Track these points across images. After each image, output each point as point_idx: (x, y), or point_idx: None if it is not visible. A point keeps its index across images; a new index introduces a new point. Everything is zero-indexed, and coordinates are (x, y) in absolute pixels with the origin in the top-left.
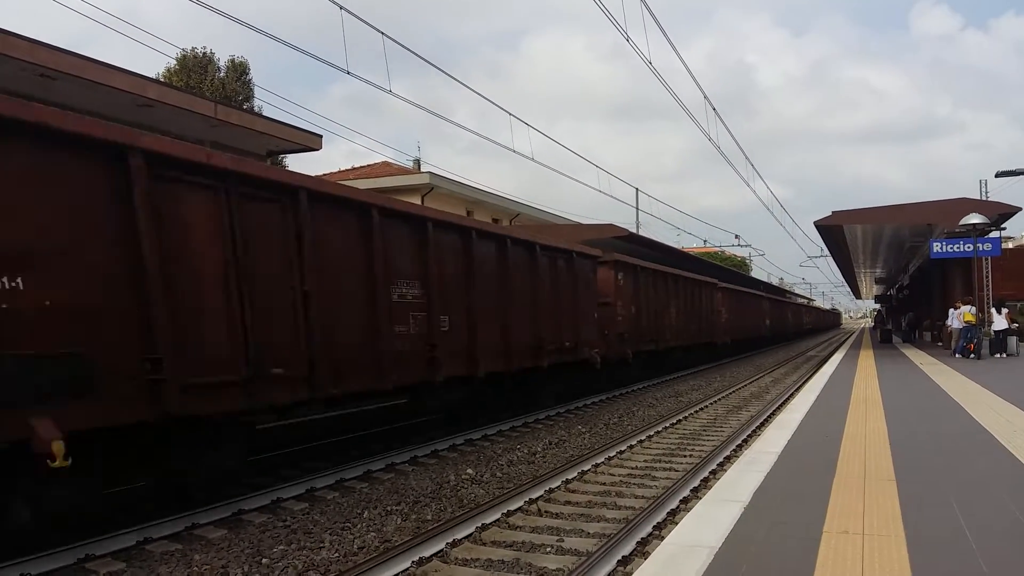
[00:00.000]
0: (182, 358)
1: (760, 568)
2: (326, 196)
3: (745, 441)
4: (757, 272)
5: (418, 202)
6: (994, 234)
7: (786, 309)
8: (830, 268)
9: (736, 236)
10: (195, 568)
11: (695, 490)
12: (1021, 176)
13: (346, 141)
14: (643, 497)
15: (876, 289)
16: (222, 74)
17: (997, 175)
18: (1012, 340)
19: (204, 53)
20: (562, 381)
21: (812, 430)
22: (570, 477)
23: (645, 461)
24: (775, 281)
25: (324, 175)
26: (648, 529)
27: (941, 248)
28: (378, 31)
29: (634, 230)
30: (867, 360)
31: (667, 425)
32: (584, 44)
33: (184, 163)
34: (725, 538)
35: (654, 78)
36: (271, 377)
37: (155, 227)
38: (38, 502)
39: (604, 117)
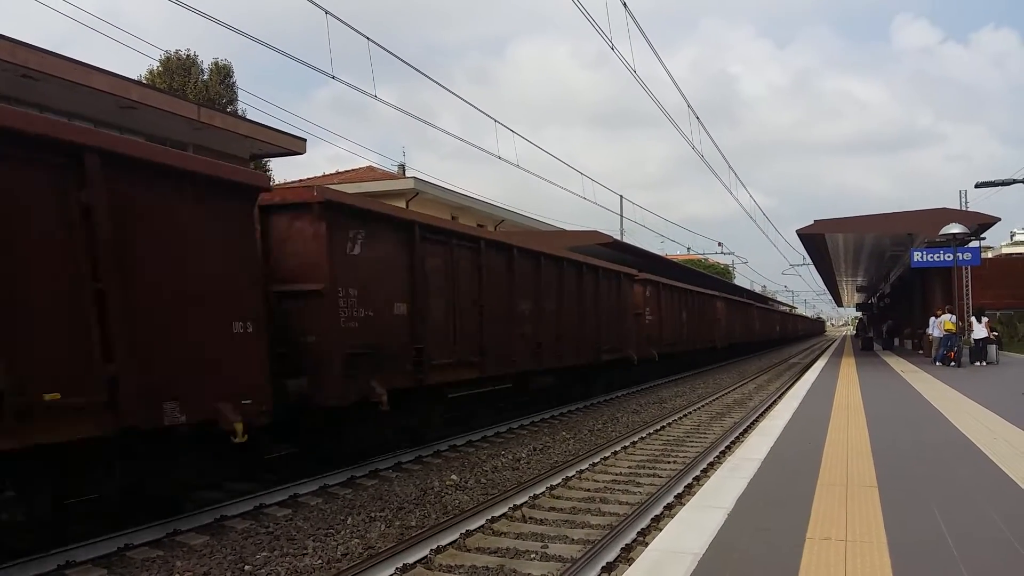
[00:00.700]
0: (436, 351)
1: (744, 574)
2: (493, 243)
3: (729, 448)
4: (740, 280)
5: (403, 206)
6: (974, 244)
7: (773, 317)
8: (812, 276)
9: (719, 244)
10: (177, 574)
11: (679, 496)
12: (1000, 187)
13: (330, 145)
14: (627, 503)
15: (858, 297)
16: (205, 76)
17: (977, 186)
18: (992, 348)
19: (187, 55)
20: (610, 374)
21: (795, 437)
22: (555, 483)
23: (629, 467)
24: (758, 289)
25: (307, 179)
26: (633, 535)
27: (921, 257)
28: (363, 36)
29: (619, 237)
30: (849, 367)
31: (651, 431)
32: (569, 51)
33: (433, 229)
34: (709, 544)
35: (638, 86)
36: (469, 362)
37: (480, 276)
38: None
39: (588, 124)
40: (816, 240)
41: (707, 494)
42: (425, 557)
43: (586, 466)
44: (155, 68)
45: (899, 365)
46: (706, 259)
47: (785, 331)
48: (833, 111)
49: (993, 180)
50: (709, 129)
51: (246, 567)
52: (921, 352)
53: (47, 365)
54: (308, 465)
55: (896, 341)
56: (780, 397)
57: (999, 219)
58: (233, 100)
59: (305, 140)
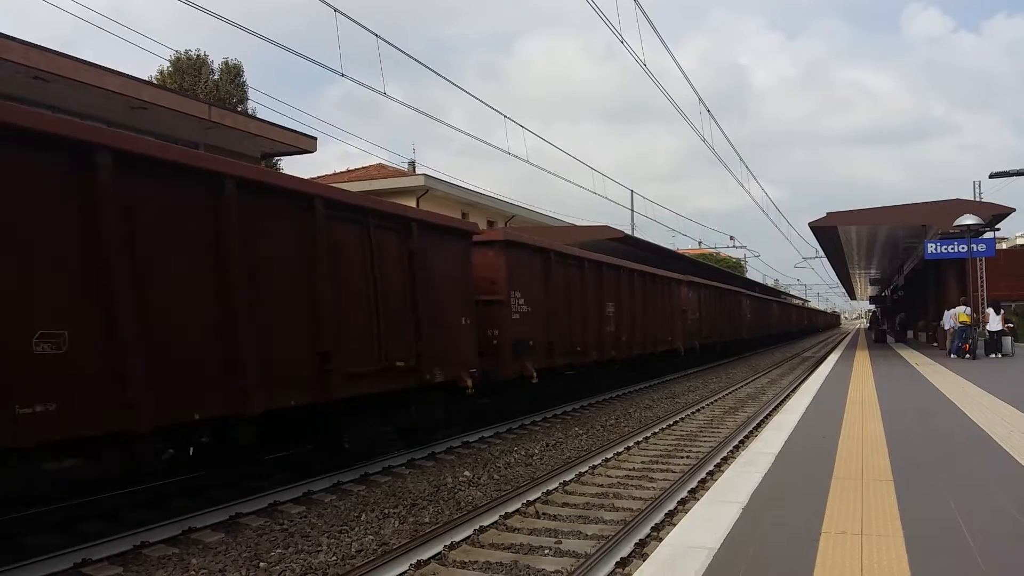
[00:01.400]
0: (557, 343)
1: (759, 569)
2: (592, 261)
3: (742, 442)
4: (752, 273)
5: (413, 203)
6: (988, 235)
7: (792, 311)
8: (825, 269)
9: (731, 237)
10: (192, 572)
11: (693, 491)
12: (1015, 177)
13: (339, 143)
14: (641, 499)
15: (871, 290)
16: (216, 76)
17: (991, 176)
18: (1007, 340)
19: (198, 55)
20: (661, 363)
21: (809, 431)
22: (568, 479)
23: (643, 463)
24: (770, 282)
25: (317, 177)
26: (646, 530)
27: (936, 249)
28: (372, 33)
29: (629, 232)
30: (863, 361)
31: (664, 426)
32: (577, 45)
33: (560, 254)
34: (723, 539)
35: (647, 79)
36: (576, 351)
37: (585, 285)
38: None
39: (598, 118)
40: (829, 233)
41: (721, 489)
42: (439, 553)
43: (599, 461)
44: (166, 68)
45: (913, 358)
46: (718, 253)
47: (802, 324)
48: (844, 102)
49: (1008, 170)
50: (720, 121)
51: (261, 564)
52: (935, 344)
53: (402, 346)
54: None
55: (910, 333)
56: (794, 391)
57: (1014, 209)
58: (244, 99)
59: (315, 139)
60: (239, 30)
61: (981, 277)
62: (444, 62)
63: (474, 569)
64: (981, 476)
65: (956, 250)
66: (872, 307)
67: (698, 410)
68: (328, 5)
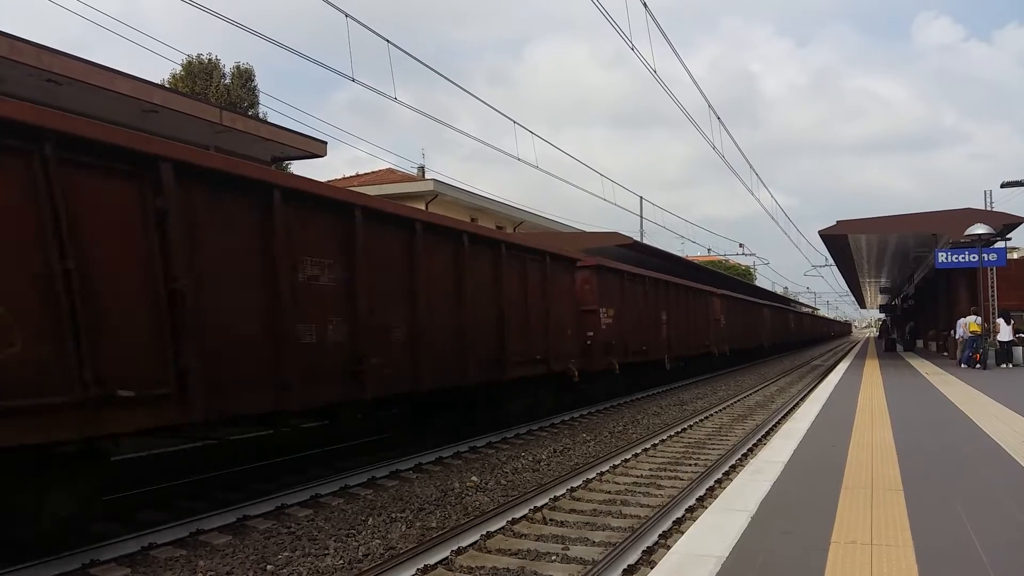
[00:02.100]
0: (632, 343)
1: None
2: (652, 278)
3: (751, 450)
4: (761, 281)
5: (422, 208)
6: (999, 244)
7: (805, 319)
8: (835, 277)
9: (740, 245)
10: (200, 574)
11: (701, 499)
12: None
13: (349, 147)
14: (649, 506)
15: (881, 299)
16: (227, 80)
17: (1003, 185)
18: (1018, 351)
19: (209, 59)
20: (700, 363)
21: (818, 439)
22: (575, 485)
23: (650, 470)
24: (780, 290)
25: (328, 182)
26: (654, 538)
27: (946, 258)
28: (383, 38)
29: (638, 238)
30: (872, 370)
31: (672, 434)
32: (586, 51)
33: (632, 274)
34: (732, 547)
35: (656, 86)
36: (641, 350)
37: (647, 296)
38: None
39: (607, 124)
40: (839, 241)
41: (730, 497)
42: (446, 558)
43: (607, 468)
44: (177, 72)
45: (924, 367)
46: (727, 260)
47: (816, 332)
48: (855, 110)
49: (1019, 180)
50: (730, 128)
51: (268, 567)
52: (946, 354)
53: (540, 345)
54: (579, 402)
55: (920, 342)
56: (803, 399)
57: None
58: (254, 103)
59: (325, 143)
60: (248, 33)
61: (992, 287)
62: (453, 67)
63: (481, 575)
64: (992, 487)
65: (967, 259)
66: (881, 316)
67: (706, 417)
68: (339, 10)
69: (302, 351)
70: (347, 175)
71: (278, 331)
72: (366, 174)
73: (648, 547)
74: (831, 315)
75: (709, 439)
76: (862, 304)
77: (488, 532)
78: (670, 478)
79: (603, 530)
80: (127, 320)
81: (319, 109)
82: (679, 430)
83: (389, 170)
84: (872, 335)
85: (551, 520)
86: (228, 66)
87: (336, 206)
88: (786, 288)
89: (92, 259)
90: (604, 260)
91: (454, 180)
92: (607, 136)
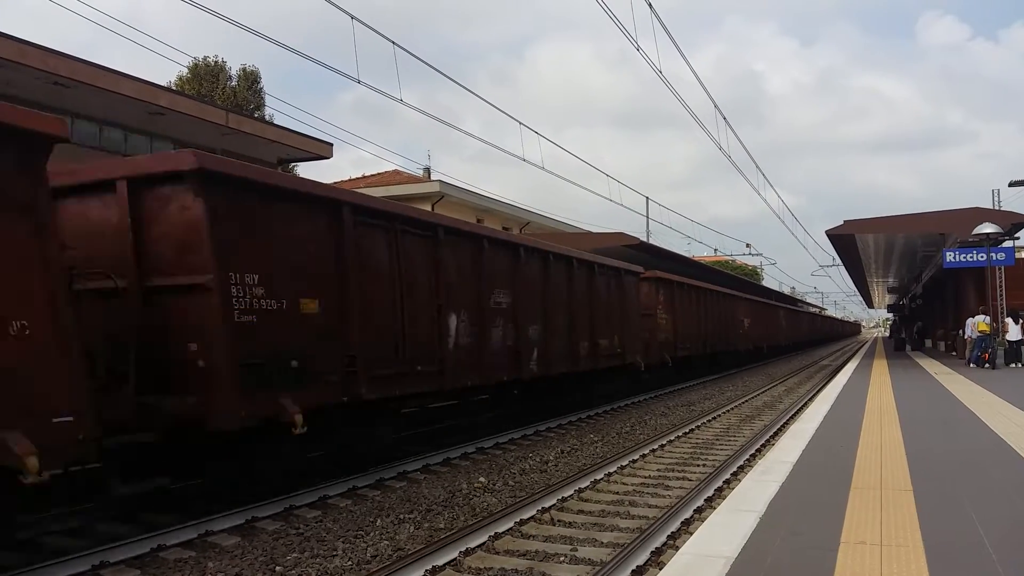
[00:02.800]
0: (682, 343)
1: None
2: (704, 288)
3: (759, 451)
4: (768, 281)
5: (428, 209)
6: (1007, 244)
7: (818, 320)
8: (842, 277)
9: (747, 245)
10: (209, 575)
11: (709, 500)
12: None
13: (353, 148)
14: (657, 507)
15: (889, 298)
16: (233, 83)
17: (1010, 184)
18: None
19: (216, 62)
20: (727, 358)
21: (827, 439)
22: (583, 486)
23: (658, 470)
24: (787, 290)
25: (334, 183)
26: (662, 539)
27: (954, 258)
28: (389, 40)
29: (644, 238)
30: (881, 369)
31: (680, 434)
32: (590, 52)
33: (687, 285)
34: (741, 548)
35: (661, 86)
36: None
37: (699, 303)
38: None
39: (612, 124)
40: (846, 241)
41: (738, 497)
42: (454, 559)
43: (614, 469)
44: (184, 75)
45: (932, 367)
46: (734, 260)
47: (828, 331)
48: (860, 109)
49: None
50: (735, 128)
51: (277, 568)
52: (954, 354)
53: (616, 340)
54: (641, 389)
55: (928, 342)
56: (811, 399)
57: None
58: (260, 105)
59: (332, 144)
60: (252, 35)
61: (1000, 286)
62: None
63: (489, 575)
64: (1001, 486)
65: (975, 259)
66: (889, 316)
67: (714, 418)
68: (344, 11)
69: (492, 349)
70: (353, 176)
71: (482, 337)
72: (372, 175)
73: (657, 548)
74: (839, 315)
75: (717, 440)
76: (870, 304)
77: (496, 533)
78: (678, 479)
79: (611, 531)
80: (422, 328)
81: (323, 110)
82: (687, 431)
83: (395, 171)
84: (880, 334)
85: (559, 521)
86: (232, 68)
87: (510, 247)
88: (793, 288)
89: (416, 290)
90: (660, 273)
91: (460, 181)
92: (612, 137)
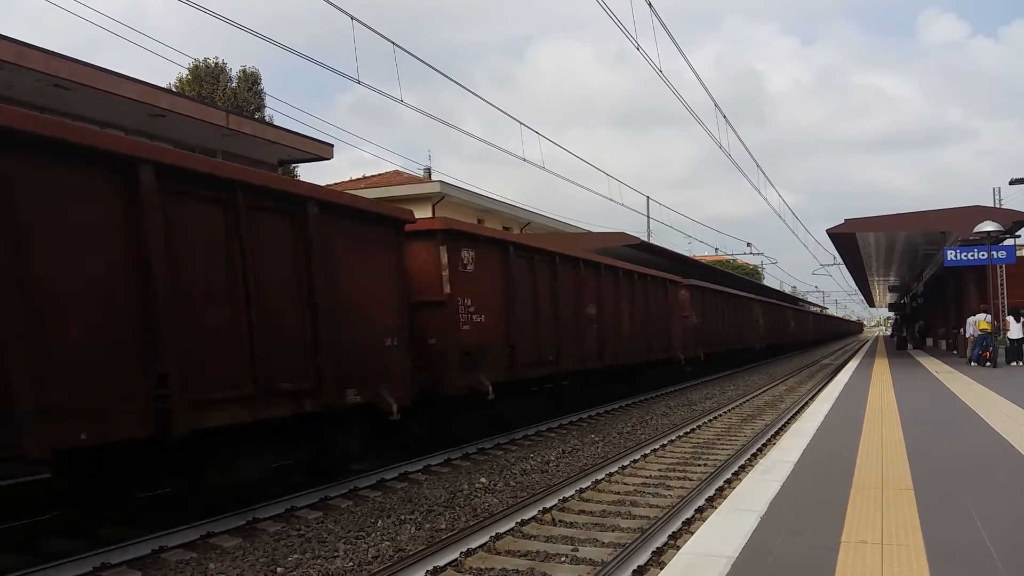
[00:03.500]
0: (711, 340)
1: None
2: (732, 294)
3: (760, 450)
4: (769, 280)
5: (429, 211)
6: (1008, 242)
7: (822, 319)
8: (843, 276)
9: (748, 244)
10: None
11: (710, 499)
12: None
13: (353, 149)
14: (658, 506)
15: (890, 297)
16: (234, 84)
17: (1011, 182)
18: None
19: (216, 63)
20: (744, 354)
21: (828, 439)
22: (584, 486)
23: (659, 470)
24: (788, 289)
25: (333, 184)
26: (663, 539)
27: (955, 256)
28: (389, 40)
29: (645, 238)
30: (882, 368)
31: (681, 434)
32: (589, 51)
33: (713, 291)
34: (742, 548)
35: (661, 84)
36: (717, 343)
37: (727, 308)
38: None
39: (611, 124)
40: (847, 239)
41: (739, 497)
42: (455, 560)
43: (615, 469)
44: (184, 76)
45: (933, 365)
46: (735, 260)
47: (832, 330)
48: (861, 107)
49: None
50: (736, 127)
51: (278, 569)
52: (956, 352)
53: (658, 341)
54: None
55: (929, 341)
56: (812, 398)
57: None
58: (261, 107)
59: (332, 146)
60: (251, 36)
61: (1001, 284)
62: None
63: (490, 575)
64: (1003, 486)
65: (976, 257)
66: (890, 314)
67: (715, 417)
68: (344, 12)
69: (586, 344)
70: (353, 177)
71: (580, 336)
72: (372, 176)
73: (658, 548)
74: (839, 314)
75: (718, 439)
76: (871, 303)
77: (497, 533)
78: (679, 478)
79: (612, 531)
80: (544, 330)
81: (322, 110)
82: (688, 430)
83: (395, 172)
84: (881, 333)
85: (560, 521)
86: (232, 69)
87: (596, 265)
88: (794, 287)
89: (541, 304)
90: (694, 280)
91: (460, 181)
92: (611, 136)
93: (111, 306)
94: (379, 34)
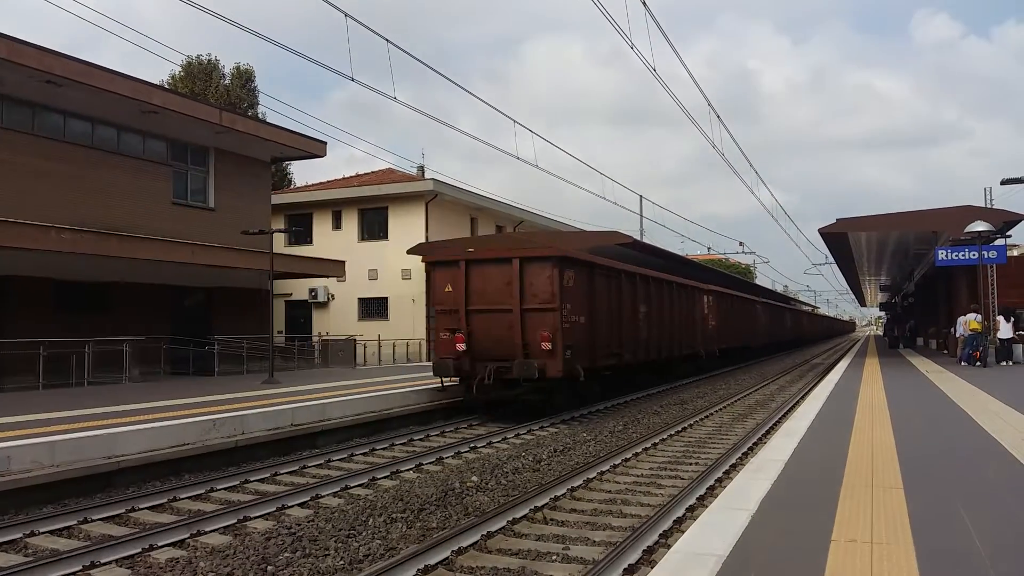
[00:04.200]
0: (724, 336)
1: None
2: (750, 299)
3: (751, 449)
4: (761, 279)
5: (422, 208)
6: (999, 242)
7: (817, 319)
8: (834, 275)
9: (740, 243)
10: (200, 575)
11: (701, 498)
12: None
13: (346, 146)
14: (649, 505)
15: (881, 297)
16: (227, 81)
17: (1003, 182)
18: (1018, 348)
19: (209, 60)
20: (759, 351)
21: (819, 438)
22: (575, 485)
23: (651, 469)
24: (780, 288)
25: (327, 181)
26: (655, 537)
27: (946, 256)
28: (383, 38)
29: (638, 236)
30: (872, 368)
31: (672, 432)
32: (582, 50)
33: (726, 294)
34: (733, 546)
35: (654, 83)
36: (729, 341)
37: (749, 311)
38: None
39: (605, 122)
40: (839, 239)
41: (730, 496)
42: (447, 558)
43: (607, 468)
44: (177, 73)
45: (924, 365)
46: (727, 259)
47: (826, 329)
48: (854, 107)
49: (1019, 176)
50: (728, 126)
51: (269, 568)
52: (946, 352)
53: (693, 338)
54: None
55: (920, 340)
56: (803, 398)
57: None
58: (254, 104)
59: (325, 143)
60: (243, 33)
61: (992, 284)
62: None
63: (482, 575)
64: (992, 484)
65: (967, 257)
66: (881, 314)
67: (707, 416)
68: (338, 9)
69: (641, 341)
70: (346, 175)
71: (634, 334)
72: (366, 174)
73: (649, 546)
74: (831, 313)
75: (709, 438)
76: (862, 302)
77: (489, 532)
78: (671, 477)
79: (604, 530)
80: (611, 331)
81: (314, 107)
82: (679, 429)
83: (389, 170)
84: (873, 332)
85: (552, 520)
86: (228, 67)
87: (644, 278)
88: (786, 287)
89: (610, 311)
90: (713, 286)
91: (454, 179)
92: (605, 134)
93: (590, 319)
94: (373, 31)
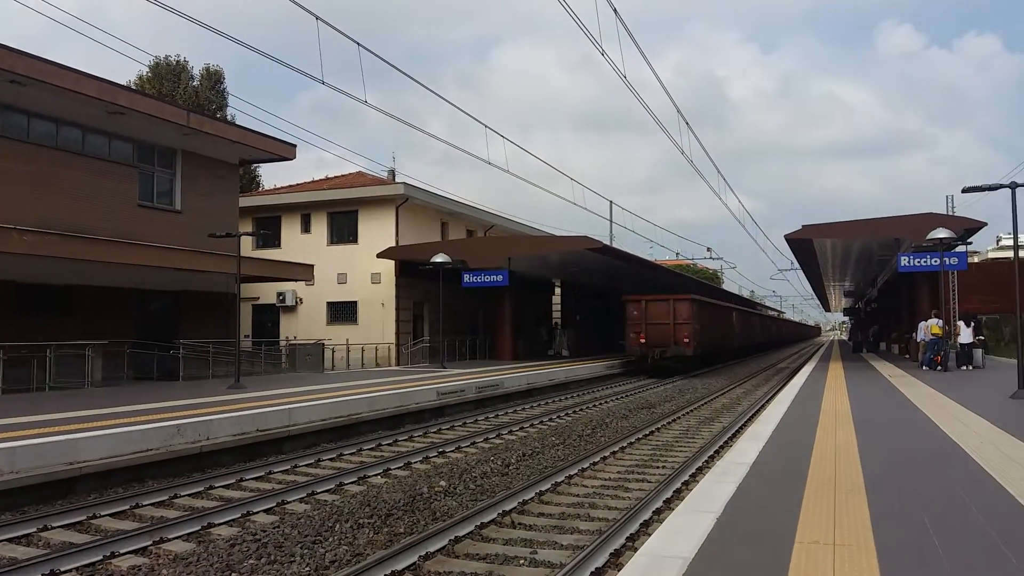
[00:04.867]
0: (711, 337)
1: None
2: (740, 308)
3: (718, 452)
4: (728, 285)
5: (393, 212)
6: (960, 248)
7: (784, 324)
8: (800, 281)
9: (708, 249)
10: None
11: (668, 501)
12: (987, 192)
13: (316, 149)
14: (617, 508)
15: (845, 302)
16: (196, 82)
17: (964, 191)
18: (978, 353)
19: (178, 61)
20: (735, 352)
21: (784, 441)
22: (543, 489)
23: (618, 472)
24: (746, 294)
25: (296, 184)
26: (621, 540)
27: (909, 262)
28: (354, 41)
29: (608, 241)
30: (836, 372)
31: (640, 436)
32: (554, 55)
33: (706, 303)
34: (698, 549)
35: (623, 89)
36: (722, 343)
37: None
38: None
39: (576, 127)
40: (804, 245)
41: (696, 499)
42: (414, 563)
43: (575, 472)
44: (144, 73)
45: (886, 369)
46: (695, 264)
47: (793, 334)
48: (820, 115)
49: (980, 185)
50: (697, 133)
51: (233, 574)
52: (908, 356)
53: (729, 338)
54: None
55: (883, 345)
56: (769, 401)
57: (985, 224)
58: (223, 106)
59: (295, 146)
60: (210, 33)
61: (953, 290)
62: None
63: None
64: (951, 486)
65: (929, 263)
66: (845, 319)
67: (674, 420)
68: (308, 11)
69: (725, 339)
70: (315, 178)
71: (731, 336)
72: (335, 177)
73: (616, 549)
74: (797, 318)
75: (676, 442)
76: (827, 307)
77: (456, 537)
78: (638, 481)
79: (571, 533)
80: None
81: (282, 109)
82: (647, 433)
83: (359, 173)
84: (837, 337)
85: (520, 524)
86: (197, 68)
87: (694, 300)
88: (752, 291)
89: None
90: (695, 295)
91: (425, 183)
92: (575, 139)
93: (698, 325)
94: (344, 34)
